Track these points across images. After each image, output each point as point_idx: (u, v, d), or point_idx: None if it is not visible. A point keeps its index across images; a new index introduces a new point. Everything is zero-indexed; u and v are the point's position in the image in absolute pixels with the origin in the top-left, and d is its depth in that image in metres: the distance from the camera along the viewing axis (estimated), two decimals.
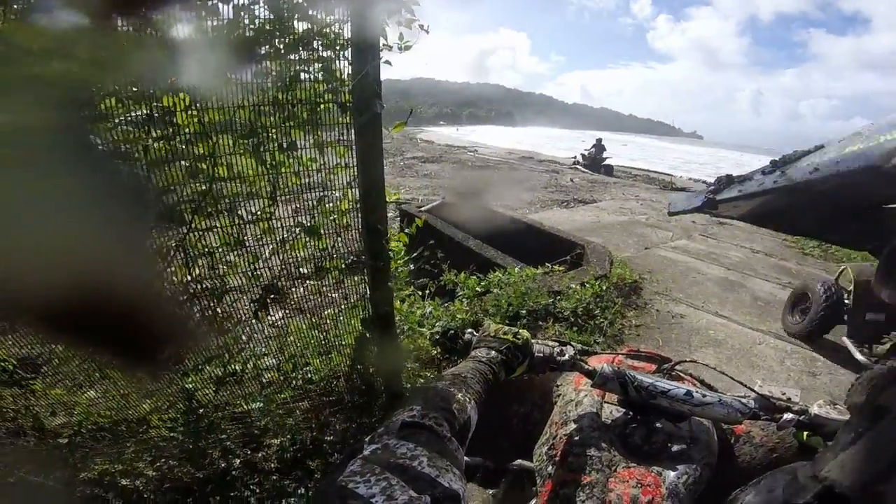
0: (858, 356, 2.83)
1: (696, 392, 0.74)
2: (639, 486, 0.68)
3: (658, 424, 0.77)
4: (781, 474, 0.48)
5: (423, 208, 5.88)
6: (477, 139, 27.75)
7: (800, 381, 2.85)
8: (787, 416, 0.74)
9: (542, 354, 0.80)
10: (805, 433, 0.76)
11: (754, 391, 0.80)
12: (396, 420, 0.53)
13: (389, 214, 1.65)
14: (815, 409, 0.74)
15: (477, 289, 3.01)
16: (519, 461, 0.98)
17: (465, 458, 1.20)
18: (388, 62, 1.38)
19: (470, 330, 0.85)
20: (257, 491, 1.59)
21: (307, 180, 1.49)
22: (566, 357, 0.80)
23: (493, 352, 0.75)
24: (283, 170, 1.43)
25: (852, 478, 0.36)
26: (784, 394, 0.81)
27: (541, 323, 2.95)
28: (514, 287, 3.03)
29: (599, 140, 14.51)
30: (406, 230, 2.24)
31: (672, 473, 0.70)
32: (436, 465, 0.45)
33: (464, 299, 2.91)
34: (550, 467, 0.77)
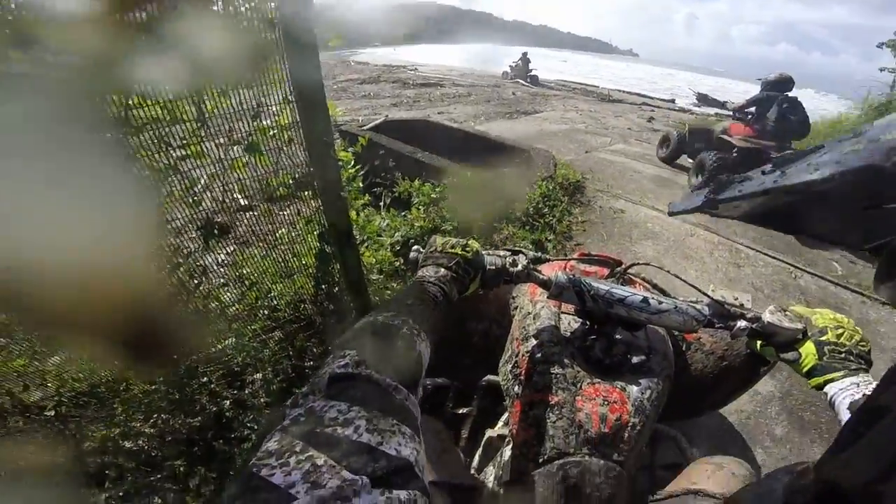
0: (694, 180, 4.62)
1: (653, 299, 0.73)
2: (606, 403, 0.69)
3: (616, 336, 0.76)
4: (781, 474, 0.47)
5: (365, 127, 5.56)
6: (415, 58, 26.01)
7: (727, 272, 3.16)
8: (741, 323, 0.73)
9: (494, 267, 0.74)
10: (758, 342, 0.76)
11: (708, 296, 0.78)
12: (324, 373, 0.41)
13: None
14: (767, 317, 0.72)
15: (432, 195, 3.01)
16: (487, 377, 0.97)
17: (430, 381, 1.06)
18: None
19: (416, 247, 0.76)
20: (255, 427, 1.60)
21: (239, 100, 1.35)
22: (519, 267, 0.75)
23: (442, 269, 0.68)
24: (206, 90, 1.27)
25: (852, 478, 0.36)
26: (737, 299, 0.80)
27: (496, 224, 3.04)
28: (469, 191, 3.06)
29: (525, 54, 15.87)
30: (349, 149, 2.12)
31: (636, 388, 0.71)
32: (377, 429, 0.36)
33: (420, 206, 2.90)
34: (517, 386, 0.76)
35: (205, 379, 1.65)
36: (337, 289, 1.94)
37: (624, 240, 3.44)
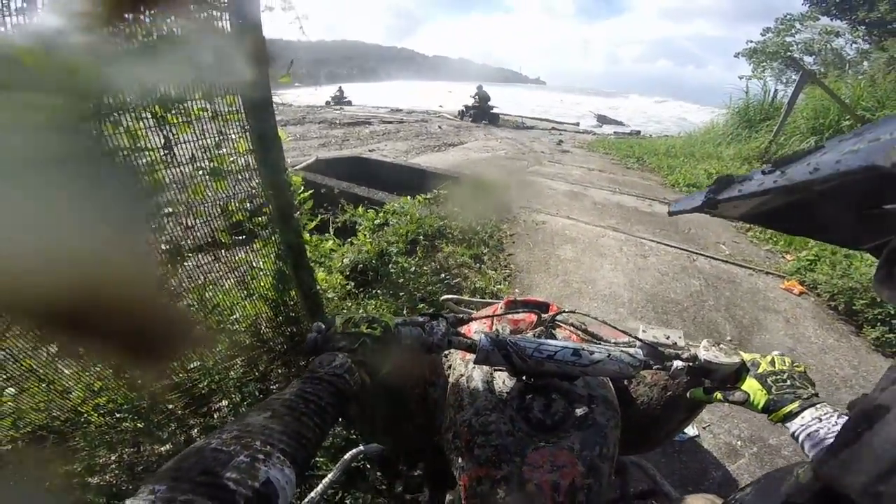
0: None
1: (584, 350, 0.71)
2: (555, 469, 0.65)
3: (554, 395, 0.72)
4: (781, 474, 0.46)
5: (296, 167, 5.73)
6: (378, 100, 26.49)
7: (636, 262, 3.71)
8: (678, 363, 0.73)
9: (409, 340, 0.68)
10: (700, 388, 0.77)
11: (638, 339, 0.77)
12: None
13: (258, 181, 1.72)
14: (702, 353, 0.73)
15: (376, 221, 3.29)
16: (436, 438, 0.88)
17: (363, 446, 1.07)
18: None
19: (317, 323, 0.67)
20: None
21: (200, 129, 1.51)
22: (438, 336, 0.70)
23: (339, 357, 0.60)
24: (172, 119, 1.43)
25: (852, 478, 0.35)
26: (668, 337, 0.78)
27: (437, 243, 3.39)
28: (409, 215, 3.38)
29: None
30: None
31: (584, 445, 0.67)
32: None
33: (366, 232, 3.16)
34: (460, 459, 0.72)
35: (170, 406, 1.67)
36: (293, 313, 2.04)
37: (547, 245, 3.96)
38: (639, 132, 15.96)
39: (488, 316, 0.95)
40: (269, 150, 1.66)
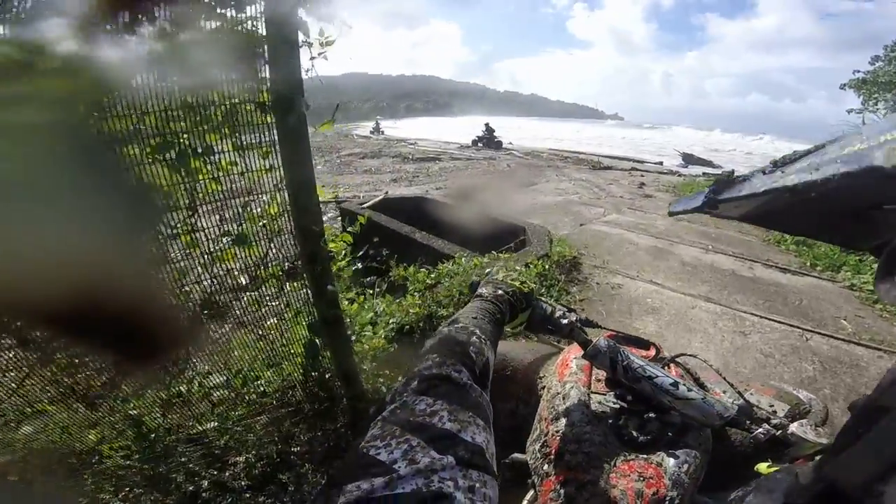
0: None
1: (683, 385, 0.73)
2: (641, 479, 0.67)
3: (647, 416, 0.76)
4: (781, 474, 0.47)
5: (364, 205, 5.77)
6: (416, 132, 28.29)
7: (733, 341, 3.10)
8: (762, 429, 0.74)
9: (543, 311, 0.79)
10: (770, 459, 0.74)
11: (743, 397, 0.80)
12: (414, 374, 0.51)
13: (330, 214, 1.59)
14: (794, 427, 0.73)
15: (427, 281, 3.03)
16: (513, 455, 0.95)
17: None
18: (317, 57, 1.34)
19: (477, 272, 0.84)
20: None
21: (231, 186, 1.39)
22: (566, 321, 0.79)
23: (500, 290, 0.74)
24: (200, 177, 1.31)
25: (853, 478, 0.36)
26: (772, 406, 0.81)
27: None
28: (464, 276, 3.09)
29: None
30: (349, 229, 2.19)
31: (672, 462, 0.69)
32: (457, 419, 0.43)
33: (415, 293, 2.92)
34: (546, 465, 0.75)
35: (183, 458, 1.58)
36: (328, 375, 1.90)
37: (623, 316, 3.41)
38: (732, 172, 14.65)
39: (612, 331, 0.97)
40: (305, 212, 1.48)
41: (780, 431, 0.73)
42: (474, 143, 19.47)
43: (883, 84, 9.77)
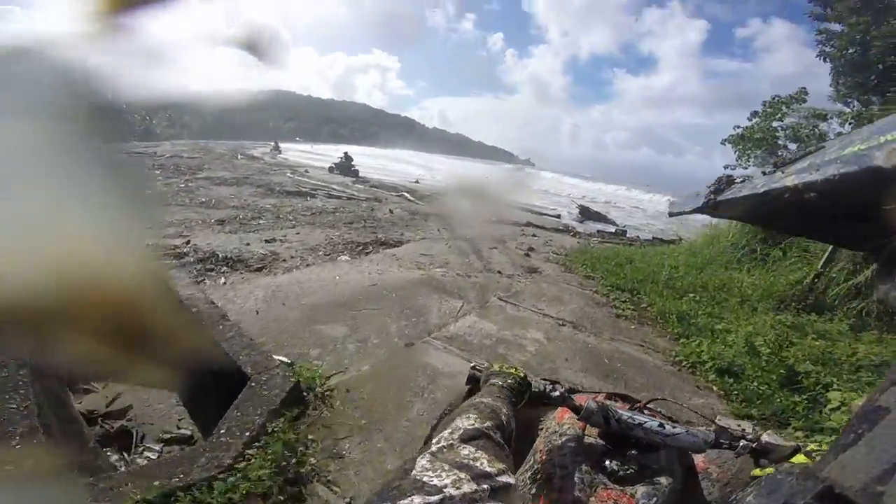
0: None
1: (668, 425, 0.87)
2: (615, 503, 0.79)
3: (632, 452, 0.88)
4: (782, 475, 0.50)
5: None
6: (322, 158, 26.21)
7: None
8: (743, 442, 0.86)
9: (537, 390, 0.91)
10: (758, 466, 0.85)
11: (714, 423, 0.91)
12: (458, 427, 0.63)
13: None
14: (765, 437, 0.86)
15: None
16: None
17: None
18: None
19: (473, 364, 0.97)
20: None
21: None
22: (557, 393, 0.92)
23: (509, 380, 0.88)
24: None
25: (852, 478, 0.37)
26: (739, 425, 0.90)
27: None
28: None
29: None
30: None
31: (642, 490, 0.81)
32: (494, 465, 0.55)
33: None
34: (535, 489, 0.86)
35: None
36: None
37: None
38: (625, 232, 14.77)
39: (592, 393, 1.07)
40: None
41: (755, 443, 0.85)
42: (331, 169, 20.51)
43: (756, 140, 10.13)
